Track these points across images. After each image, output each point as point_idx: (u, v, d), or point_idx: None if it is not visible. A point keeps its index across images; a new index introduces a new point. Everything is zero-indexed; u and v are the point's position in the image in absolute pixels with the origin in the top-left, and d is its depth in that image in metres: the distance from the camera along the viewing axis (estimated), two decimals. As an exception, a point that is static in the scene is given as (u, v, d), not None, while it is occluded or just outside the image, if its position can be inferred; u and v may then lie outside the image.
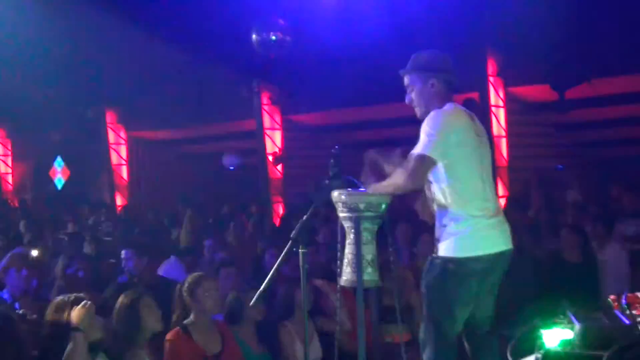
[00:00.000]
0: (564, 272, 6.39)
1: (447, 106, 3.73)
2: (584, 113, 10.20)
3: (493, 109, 10.02)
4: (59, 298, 3.96)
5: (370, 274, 3.58)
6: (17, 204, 14.08)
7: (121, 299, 4.31)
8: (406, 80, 3.85)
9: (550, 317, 4.14)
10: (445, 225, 3.67)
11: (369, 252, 3.59)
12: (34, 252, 6.53)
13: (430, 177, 3.71)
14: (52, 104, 12.55)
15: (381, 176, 3.75)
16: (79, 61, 11.10)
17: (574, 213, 8.34)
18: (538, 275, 6.41)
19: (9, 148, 16.06)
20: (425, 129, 3.63)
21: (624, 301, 4.06)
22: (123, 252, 6.38)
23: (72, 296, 3.93)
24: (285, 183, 12.19)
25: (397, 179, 3.59)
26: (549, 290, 5.98)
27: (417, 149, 3.58)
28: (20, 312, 4.87)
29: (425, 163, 3.57)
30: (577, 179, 10.48)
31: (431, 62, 3.79)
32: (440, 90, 3.77)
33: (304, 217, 3.62)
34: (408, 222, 7.39)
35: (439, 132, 3.59)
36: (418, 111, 3.82)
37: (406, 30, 8.39)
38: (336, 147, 3.69)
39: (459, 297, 3.66)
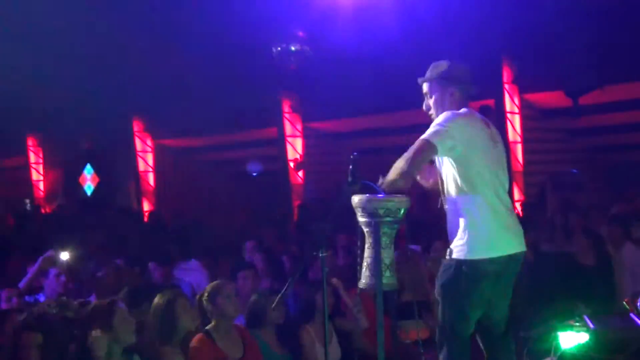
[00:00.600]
0: (579, 275, 6.39)
1: (463, 110, 3.80)
2: (597, 118, 10.32)
3: (508, 115, 10.19)
4: (96, 301, 4.17)
5: (388, 278, 3.65)
6: (49, 210, 14.47)
7: (157, 299, 4.45)
8: (425, 87, 3.89)
9: (566, 319, 4.25)
10: (459, 227, 3.72)
11: (388, 256, 3.66)
12: (64, 255, 6.67)
13: (444, 175, 3.77)
14: (82, 113, 12.86)
15: None
16: (107, 72, 11.37)
17: (588, 216, 8.41)
18: (554, 277, 6.39)
19: (41, 156, 16.41)
20: (435, 121, 3.71)
21: (639, 304, 4.14)
22: (150, 264, 6.49)
23: (109, 300, 4.12)
24: (306, 188, 12.43)
25: (399, 162, 3.60)
26: (564, 292, 5.99)
27: (424, 135, 3.63)
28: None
29: (427, 148, 3.59)
30: (592, 182, 10.60)
31: (451, 72, 3.83)
32: (458, 99, 3.83)
33: (324, 222, 3.72)
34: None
35: (448, 125, 3.64)
36: (433, 117, 3.84)
37: (423, 38, 8.52)
38: (355, 153, 3.71)
39: (472, 299, 3.71)
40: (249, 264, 6.52)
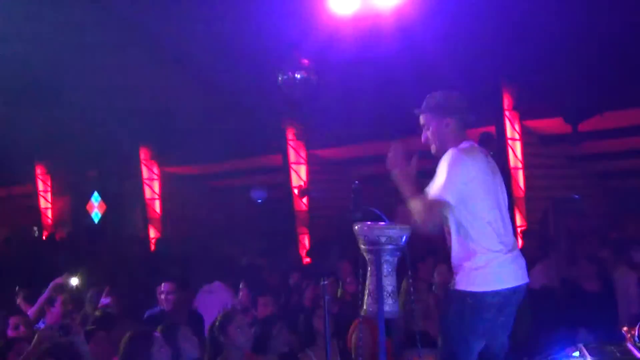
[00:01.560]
0: (583, 301, 6.47)
1: (463, 144, 3.81)
2: (597, 145, 10.40)
3: (509, 141, 10.25)
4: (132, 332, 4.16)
5: (390, 305, 3.67)
6: (57, 238, 14.57)
7: (159, 330, 4.43)
8: (422, 119, 3.92)
9: (568, 346, 4.26)
10: (462, 259, 3.74)
11: (390, 283, 3.67)
12: (74, 281, 6.66)
13: (449, 211, 3.75)
14: (90, 141, 13.00)
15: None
16: (114, 102, 11.53)
17: (590, 242, 8.45)
18: (556, 304, 6.53)
19: (49, 184, 16.55)
20: (442, 169, 3.70)
21: (636, 333, 4.15)
22: (163, 285, 6.34)
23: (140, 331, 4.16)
24: (310, 215, 12.50)
25: (415, 217, 3.62)
26: (567, 319, 6.02)
27: (434, 190, 3.65)
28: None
29: (441, 205, 3.64)
30: (593, 208, 10.64)
31: (446, 102, 3.86)
32: (455, 129, 3.85)
33: (325, 250, 3.83)
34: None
35: (455, 172, 3.65)
36: (433, 149, 3.89)
37: (424, 66, 8.54)
38: (356, 182, 3.77)
39: (475, 329, 3.72)
40: (267, 290, 6.51)
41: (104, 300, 6.51)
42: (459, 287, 3.75)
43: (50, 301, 6.05)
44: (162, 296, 6.26)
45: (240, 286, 7.11)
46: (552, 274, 7.26)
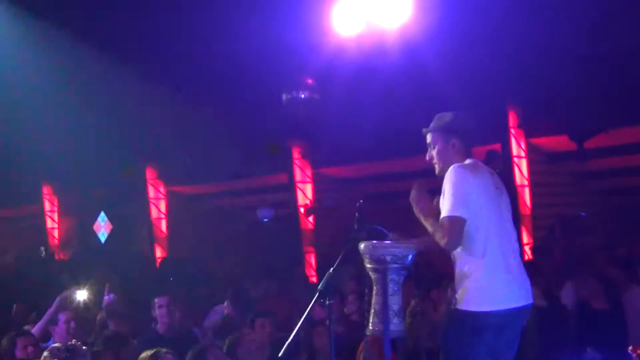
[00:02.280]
0: (592, 320, 6.44)
1: (467, 161, 3.87)
2: (604, 162, 10.37)
3: (515, 159, 10.26)
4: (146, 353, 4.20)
5: (396, 325, 3.69)
6: (62, 257, 14.58)
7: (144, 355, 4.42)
8: (428, 138, 3.99)
9: None
10: (464, 278, 3.75)
11: (395, 302, 3.70)
12: (82, 295, 6.57)
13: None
14: (96, 161, 13.06)
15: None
16: (120, 123, 11.59)
17: (598, 259, 8.40)
18: (564, 323, 6.51)
19: (55, 204, 16.57)
20: (447, 187, 3.75)
21: None
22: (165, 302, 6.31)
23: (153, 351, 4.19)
24: (316, 234, 12.49)
25: (440, 242, 3.68)
26: (575, 338, 6.12)
27: (447, 211, 3.69)
28: None
29: (459, 223, 3.67)
30: (601, 225, 10.61)
31: (453, 123, 3.94)
32: (461, 149, 3.92)
33: (330, 269, 3.72)
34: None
35: (461, 188, 3.71)
36: (437, 168, 3.96)
37: (429, 85, 8.61)
38: (360, 200, 3.81)
39: (476, 350, 3.71)
40: (265, 311, 6.45)
41: (107, 297, 6.50)
42: (459, 307, 3.76)
43: (54, 320, 5.99)
44: (157, 311, 6.23)
45: (225, 303, 7.13)
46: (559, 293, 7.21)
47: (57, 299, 6.20)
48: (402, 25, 7.40)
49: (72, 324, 5.90)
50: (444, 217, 3.69)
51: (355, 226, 3.76)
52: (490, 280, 3.69)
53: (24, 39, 8.74)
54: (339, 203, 11.84)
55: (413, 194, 3.84)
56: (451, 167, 3.79)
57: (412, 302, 5.20)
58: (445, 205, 3.71)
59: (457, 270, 3.82)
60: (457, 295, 3.79)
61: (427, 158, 4.00)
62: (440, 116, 4.01)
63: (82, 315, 6.44)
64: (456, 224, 3.67)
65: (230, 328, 5.95)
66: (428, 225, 3.78)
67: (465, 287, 3.74)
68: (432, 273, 7.37)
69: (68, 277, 9.74)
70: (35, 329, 6.07)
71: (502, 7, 7.57)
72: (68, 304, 6.18)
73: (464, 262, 3.77)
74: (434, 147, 3.97)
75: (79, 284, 6.64)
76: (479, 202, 3.72)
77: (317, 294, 3.70)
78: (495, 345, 3.74)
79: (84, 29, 8.89)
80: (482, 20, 7.79)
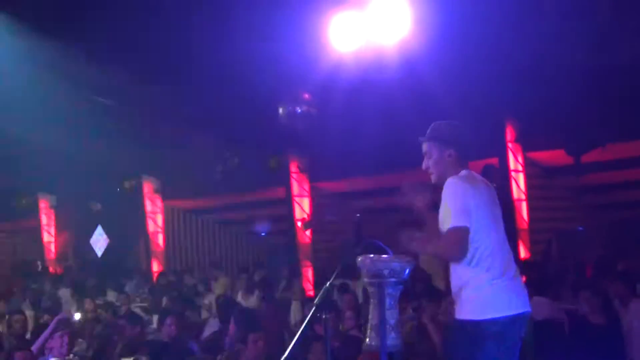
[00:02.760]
0: (589, 334, 6.43)
1: (462, 172, 3.86)
2: (601, 176, 10.38)
3: (512, 173, 10.28)
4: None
5: (393, 339, 3.67)
6: (59, 271, 14.54)
7: None
8: (424, 147, 3.98)
9: None
10: (462, 287, 3.74)
11: (392, 317, 3.68)
12: (77, 316, 6.67)
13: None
14: (93, 176, 13.06)
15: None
16: (117, 138, 11.60)
17: (595, 274, 8.40)
18: (561, 337, 6.54)
19: (53, 218, 16.54)
20: (446, 199, 3.75)
21: None
22: (168, 319, 6.45)
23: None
24: (313, 248, 12.48)
25: (443, 255, 3.74)
26: (572, 352, 6.09)
27: (451, 223, 3.69)
28: None
29: (464, 233, 3.67)
30: (597, 239, 10.62)
31: (449, 133, 3.94)
32: (457, 159, 3.91)
33: (327, 283, 3.73)
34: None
35: (460, 198, 3.71)
36: (433, 178, 3.93)
37: (427, 99, 8.60)
38: (357, 215, 3.86)
39: (477, 359, 3.68)
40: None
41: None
42: (458, 317, 3.76)
43: (51, 337, 6.04)
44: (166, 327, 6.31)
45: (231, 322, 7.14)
46: (556, 307, 7.22)
47: (54, 320, 6.28)
48: (400, 40, 7.42)
49: (66, 339, 5.93)
50: (449, 229, 3.70)
51: (353, 240, 3.76)
52: (490, 288, 3.69)
53: (22, 53, 8.76)
54: (338, 217, 11.87)
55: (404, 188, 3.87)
56: (448, 180, 3.80)
57: (408, 310, 5.19)
58: (448, 218, 3.71)
59: (455, 281, 3.81)
60: (456, 306, 3.79)
61: (423, 167, 3.99)
62: (437, 125, 4.01)
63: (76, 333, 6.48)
64: (462, 233, 3.68)
65: (220, 343, 5.95)
66: (430, 229, 3.80)
67: (465, 296, 3.74)
68: (423, 286, 7.39)
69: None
70: (34, 347, 6.11)
71: (499, 22, 7.61)
72: (65, 325, 6.21)
73: (463, 271, 3.76)
74: (430, 157, 3.97)
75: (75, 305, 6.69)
76: (478, 212, 3.73)
77: (314, 308, 3.70)
78: (497, 354, 3.70)
79: (86, 43, 8.91)
80: (480, 35, 7.82)
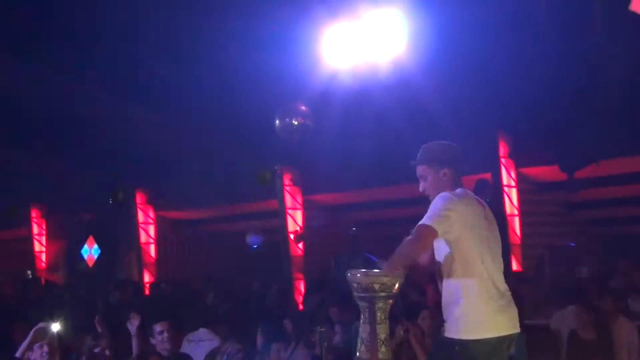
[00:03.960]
0: (580, 350, 6.50)
1: (458, 190, 3.90)
2: (594, 192, 10.42)
3: (505, 188, 10.29)
4: None
5: (383, 353, 3.68)
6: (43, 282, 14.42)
7: None
8: (419, 170, 4.01)
9: None
10: (452, 304, 3.77)
11: (383, 331, 3.69)
12: (55, 327, 6.58)
13: (441, 257, 3.83)
14: (85, 185, 13.03)
15: None
16: (109, 147, 11.60)
17: (586, 290, 8.41)
18: (553, 353, 6.56)
19: (44, 228, 16.50)
20: (433, 205, 3.80)
21: None
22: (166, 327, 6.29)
23: None
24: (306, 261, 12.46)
25: (402, 248, 3.65)
26: None
27: (423, 220, 3.72)
28: None
29: (428, 233, 3.66)
30: (589, 255, 10.64)
31: (442, 154, 3.98)
32: (451, 178, 3.95)
33: (321, 296, 3.84)
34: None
35: (445, 209, 3.72)
36: (431, 198, 3.92)
37: (421, 113, 8.68)
38: (353, 228, 3.91)
39: None
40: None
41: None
42: (447, 335, 3.76)
43: (30, 348, 5.98)
44: (159, 337, 6.15)
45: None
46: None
47: (33, 330, 6.14)
48: (395, 54, 7.45)
49: (45, 348, 5.87)
50: (417, 225, 3.71)
51: (348, 253, 3.75)
52: (481, 307, 3.71)
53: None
54: (325, 225, 11.87)
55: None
56: (443, 192, 3.84)
57: (397, 330, 5.18)
58: (425, 217, 3.73)
59: (446, 298, 3.82)
60: (445, 324, 3.79)
61: (420, 190, 4.02)
62: (428, 147, 4.04)
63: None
64: (427, 234, 3.67)
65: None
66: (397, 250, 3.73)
67: (456, 315, 3.74)
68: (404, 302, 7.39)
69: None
70: (17, 353, 6.05)
71: (494, 38, 7.65)
72: (43, 336, 6.15)
73: (453, 289, 3.77)
74: (426, 179, 3.99)
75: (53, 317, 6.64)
76: (466, 229, 3.74)
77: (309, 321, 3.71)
78: None
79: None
80: (475, 51, 7.87)
